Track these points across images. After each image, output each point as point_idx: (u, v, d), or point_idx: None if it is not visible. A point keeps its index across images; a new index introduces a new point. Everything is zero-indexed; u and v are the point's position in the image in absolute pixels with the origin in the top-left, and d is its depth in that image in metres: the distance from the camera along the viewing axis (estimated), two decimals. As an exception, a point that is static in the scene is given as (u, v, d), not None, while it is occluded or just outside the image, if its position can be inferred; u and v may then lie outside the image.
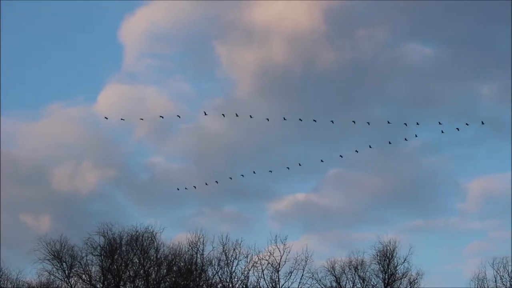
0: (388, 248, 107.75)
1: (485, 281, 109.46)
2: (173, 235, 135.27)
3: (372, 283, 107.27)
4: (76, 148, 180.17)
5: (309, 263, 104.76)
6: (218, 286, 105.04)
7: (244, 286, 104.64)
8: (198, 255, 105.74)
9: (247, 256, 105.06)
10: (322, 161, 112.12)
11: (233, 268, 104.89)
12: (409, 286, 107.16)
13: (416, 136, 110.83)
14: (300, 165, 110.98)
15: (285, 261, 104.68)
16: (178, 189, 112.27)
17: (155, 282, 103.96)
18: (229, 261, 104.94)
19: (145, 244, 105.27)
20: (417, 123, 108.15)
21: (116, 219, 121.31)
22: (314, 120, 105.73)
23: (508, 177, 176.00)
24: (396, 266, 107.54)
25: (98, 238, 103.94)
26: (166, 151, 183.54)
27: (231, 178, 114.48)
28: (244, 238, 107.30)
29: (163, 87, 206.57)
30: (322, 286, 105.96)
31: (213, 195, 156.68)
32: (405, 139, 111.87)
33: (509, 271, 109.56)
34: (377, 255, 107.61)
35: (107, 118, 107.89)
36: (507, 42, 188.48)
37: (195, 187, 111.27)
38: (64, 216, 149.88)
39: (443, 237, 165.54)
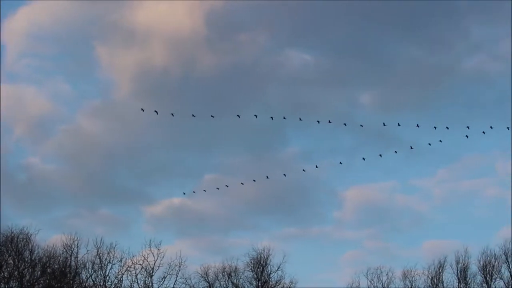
0: (262, 255, 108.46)
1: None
2: (48, 237, 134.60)
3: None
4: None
5: (183, 268, 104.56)
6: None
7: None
8: (72, 258, 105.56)
9: (121, 260, 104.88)
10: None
11: (107, 271, 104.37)
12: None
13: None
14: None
15: (159, 266, 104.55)
16: None
17: (29, 284, 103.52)
18: (103, 264, 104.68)
19: (20, 246, 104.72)
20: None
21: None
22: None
23: (384, 186, 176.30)
24: (269, 274, 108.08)
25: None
26: (43, 151, 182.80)
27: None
28: (119, 241, 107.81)
29: (42, 87, 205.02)
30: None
31: (90, 197, 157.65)
32: (316, 166, 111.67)
33: (383, 281, 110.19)
34: (251, 262, 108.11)
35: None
36: (387, 50, 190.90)
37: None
38: None
39: (319, 245, 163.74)
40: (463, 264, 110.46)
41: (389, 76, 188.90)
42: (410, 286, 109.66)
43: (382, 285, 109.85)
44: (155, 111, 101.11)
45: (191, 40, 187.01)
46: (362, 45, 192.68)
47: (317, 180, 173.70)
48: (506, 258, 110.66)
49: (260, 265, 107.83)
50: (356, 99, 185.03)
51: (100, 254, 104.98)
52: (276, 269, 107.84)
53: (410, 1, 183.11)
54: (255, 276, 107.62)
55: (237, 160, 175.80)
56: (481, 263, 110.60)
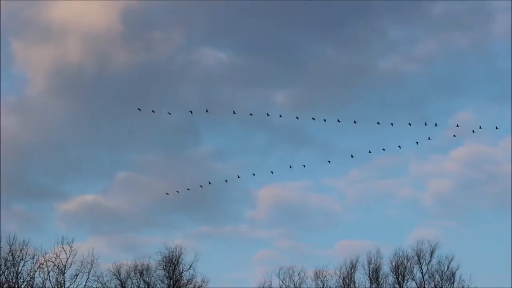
0: (174, 254, 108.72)
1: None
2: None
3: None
4: None
5: (95, 266, 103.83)
6: (4, 286, 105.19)
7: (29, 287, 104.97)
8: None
9: (33, 257, 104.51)
10: None
11: (19, 268, 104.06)
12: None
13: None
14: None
15: (71, 263, 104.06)
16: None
17: None
18: (15, 261, 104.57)
19: None
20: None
21: None
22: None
23: (297, 185, 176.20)
24: (181, 272, 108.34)
25: None
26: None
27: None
28: (32, 238, 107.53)
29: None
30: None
31: (3, 193, 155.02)
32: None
33: (295, 281, 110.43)
34: (163, 260, 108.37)
35: None
36: (302, 49, 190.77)
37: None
38: None
39: (232, 244, 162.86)
40: (375, 265, 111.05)
41: (304, 76, 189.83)
42: (322, 286, 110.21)
43: (294, 285, 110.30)
44: (139, 108, 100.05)
45: (106, 37, 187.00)
46: (277, 44, 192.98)
47: (230, 179, 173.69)
48: (418, 259, 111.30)
49: (172, 263, 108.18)
50: (271, 98, 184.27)
51: (13, 251, 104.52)
52: (188, 267, 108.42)
53: (326, 1, 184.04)
54: (167, 274, 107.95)
55: (150, 158, 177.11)
56: (393, 263, 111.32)
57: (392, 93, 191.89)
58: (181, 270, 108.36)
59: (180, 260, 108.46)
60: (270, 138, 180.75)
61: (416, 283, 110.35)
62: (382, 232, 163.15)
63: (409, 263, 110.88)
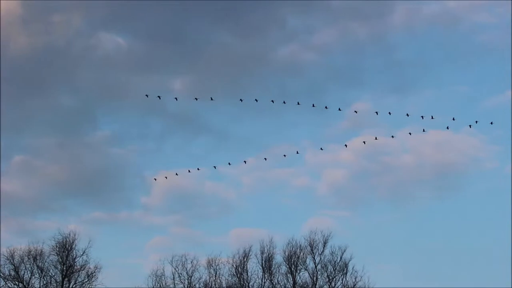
0: (67, 239, 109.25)
1: (163, 278, 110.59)
2: None
3: (50, 274, 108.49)
4: None
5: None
6: None
7: None
8: None
9: None
10: None
11: None
12: (87, 279, 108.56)
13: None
14: None
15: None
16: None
17: None
18: None
19: None
20: None
21: None
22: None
23: (192, 172, 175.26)
24: (74, 258, 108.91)
25: None
26: None
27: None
28: None
29: None
30: (1, 275, 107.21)
31: None
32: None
33: (187, 268, 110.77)
34: (57, 246, 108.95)
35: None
36: (200, 36, 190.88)
37: None
38: None
39: (126, 230, 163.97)
40: (268, 254, 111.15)
41: (202, 63, 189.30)
42: (214, 274, 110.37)
43: (187, 272, 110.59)
44: (146, 95, 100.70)
45: (5, 20, 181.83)
46: (176, 30, 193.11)
47: (126, 165, 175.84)
48: (312, 249, 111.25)
49: (65, 249, 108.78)
50: (168, 84, 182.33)
51: None
52: (81, 253, 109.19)
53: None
54: (60, 260, 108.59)
55: (46, 142, 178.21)
56: (286, 253, 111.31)
57: (290, 81, 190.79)
58: (75, 256, 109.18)
59: (73, 246, 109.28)
60: (167, 125, 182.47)
61: (309, 273, 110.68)
62: (276, 221, 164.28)
63: (302, 253, 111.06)
